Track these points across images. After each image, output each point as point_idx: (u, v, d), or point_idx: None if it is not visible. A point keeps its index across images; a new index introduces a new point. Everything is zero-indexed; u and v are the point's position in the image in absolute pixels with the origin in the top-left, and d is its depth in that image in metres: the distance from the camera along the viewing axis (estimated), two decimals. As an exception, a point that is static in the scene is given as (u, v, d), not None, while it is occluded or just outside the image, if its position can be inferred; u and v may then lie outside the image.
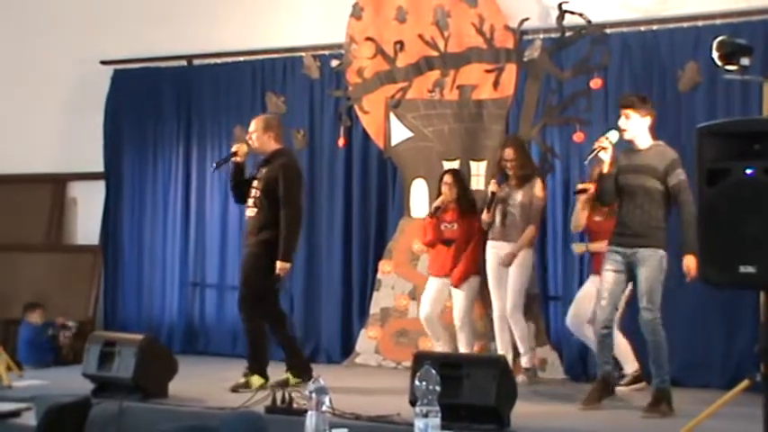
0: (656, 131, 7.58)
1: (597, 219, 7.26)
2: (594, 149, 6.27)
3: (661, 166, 6.14)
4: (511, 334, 7.58)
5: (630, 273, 6.23)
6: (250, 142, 7.30)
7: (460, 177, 7.93)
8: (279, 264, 6.99)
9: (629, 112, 6.23)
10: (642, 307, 6.15)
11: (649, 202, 6.14)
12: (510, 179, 7.58)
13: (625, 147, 6.39)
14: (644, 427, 5.95)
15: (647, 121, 6.26)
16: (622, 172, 6.24)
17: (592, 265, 7.46)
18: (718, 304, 7.32)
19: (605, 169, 6.23)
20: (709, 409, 5.28)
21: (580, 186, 7.13)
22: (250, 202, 7.19)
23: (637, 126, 6.23)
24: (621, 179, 6.23)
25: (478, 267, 7.78)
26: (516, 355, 7.61)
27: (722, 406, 5.25)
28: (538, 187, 7.56)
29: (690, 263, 6.05)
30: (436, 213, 7.81)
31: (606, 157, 6.20)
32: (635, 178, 6.17)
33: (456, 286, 7.76)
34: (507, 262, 7.48)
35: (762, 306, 4.97)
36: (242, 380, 7.00)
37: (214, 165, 7.36)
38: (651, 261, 6.14)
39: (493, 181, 7.65)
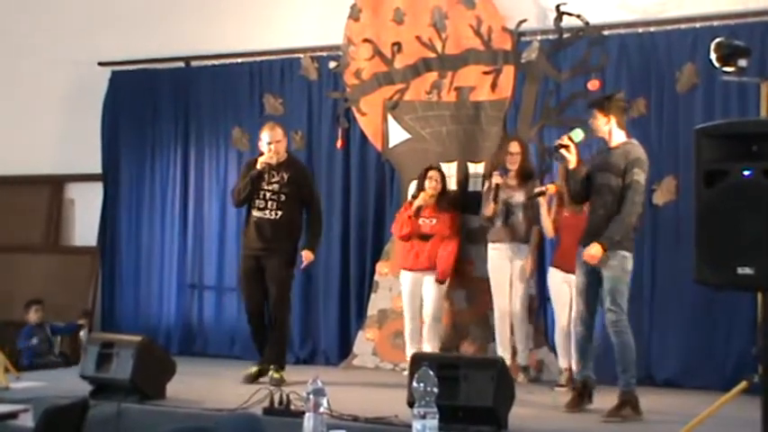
0: (648, 134, 7.63)
1: (566, 214, 7.28)
2: (555, 146, 6.28)
3: (623, 163, 6.08)
4: (511, 334, 7.60)
5: (596, 273, 6.16)
6: (273, 152, 7.36)
7: (444, 175, 8.08)
8: (307, 253, 7.44)
9: (594, 111, 6.24)
10: (606, 308, 6.08)
11: (613, 200, 6.08)
12: (509, 177, 7.60)
13: (600, 146, 6.40)
14: (643, 428, 5.94)
15: (612, 120, 6.17)
16: (593, 171, 6.24)
17: (554, 256, 7.52)
18: (716, 306, 7.32)
19: (570, 167, 6.23)
20: (707, 411, 5.28)
21: (536, 190, 7.16)
22: (269, 204, 7.36)
23: (603, 125, 6.20)
24: (592, 178, 6.23)
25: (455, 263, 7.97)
26: (514, 354, 7.63)
27: (720, 407, 5.26)
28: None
29: (595, 251, 5.98)
30: (418, 213, 7.92)
31: (569, 155, 6.19)
32: (601, 177, 6.15)
33: (442, 281, 7.88)
34: (528, 274, 7.64)
35: (759, 307, 4.98)
36: (276, 375, 7.26)
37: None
38: (614, 262, 6.09)
39: (495, 173, 7.66)
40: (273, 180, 7.39)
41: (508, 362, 7.33)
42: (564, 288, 7.27)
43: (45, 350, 9.05)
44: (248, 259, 7.48)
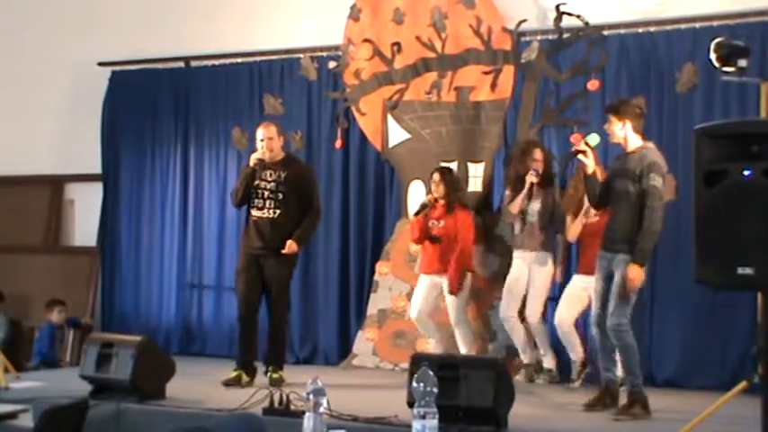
0: (648, 134, 7.64)
1: (590, 221, 7.28)
2: (572, 152, 6.27)
3: (638, 169, 6.04)
4: (522, 333, 7.67)
5: (611, 277, 6.14)
6: (267, 149, 7.34)
7: (448, 175, 7.96)
8: (291, 243, 7.27)
9: (609, 116, 6.23)
10: (610, 311, 6.07)
11: (628, 206, 6.06)
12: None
13: (618, 151, 6.41)
14: (644, 428, 5.94)
15: (628, 124, 6.13)
16: (612, 176, 6.23)
17: (579, 263, 7.51)
18: (716, 306, 7.32)
19: (588, 171, 6.22)
20: (707, 411, 5.28)
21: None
22: (267, 203, 7.33)
23: (618, 130, 6.16)
24: (611, 183, 6.22)
25: (471, 265, 7.85)
26: (515, 355, 7.69)
27: (720, 407, 5.26)
28: (557, 193, 7.64)
29: (634, 273, 5.95)
30: (421, 211, 7.89)
31: (587, 160, 6.18)
32: (619, 182, 6.13)
33: (453, 293, 7.74)
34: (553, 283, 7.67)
35: (759, 307, 4.97)
36: (275, 376, 7.25)
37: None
38: (626, 266, 6.04)
39: (531, 172, 7.50)
40: (270, 179, 7.37)
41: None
42: (581, 293, 7.25)
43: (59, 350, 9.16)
44: (247, 258, 7.43)
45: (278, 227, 7.32)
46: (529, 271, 7.59)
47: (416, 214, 7.92)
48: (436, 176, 7.90)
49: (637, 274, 5.96)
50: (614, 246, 6.12)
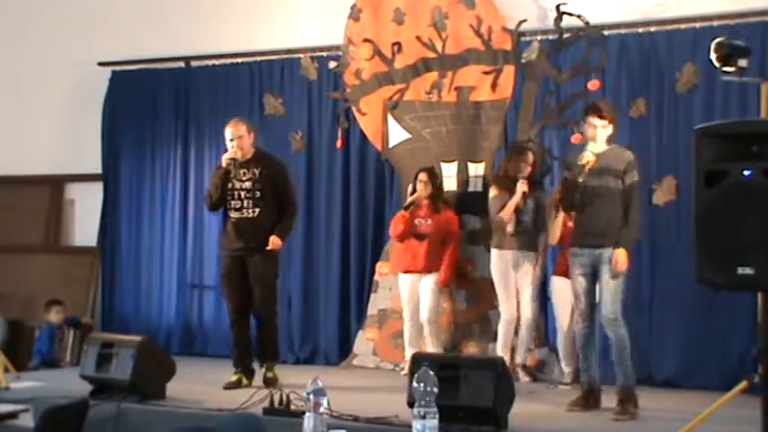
0: (648, 134, 7.66)
1: (569, 224, 7.27)
2: (582, 165, 6.26)
3: (621, 166, 6.22)
4: (514, 335, 7.67)
5: (596, 272, 6.23)
6: (237, 148, 7.23)
7: (434, 176, 8.09)
8: (274, 238, 7.18)
9: (593, 119, 6.29)
10: (606, 306, 6.14)
11: (612, 202, 6.20)
12: (522, 184, 7.60)
13: (577, 150, 6.44)
14: (644, 428, 5.94)
15: (610, 126, 6.31)
16: (586, 175, 6.27)
17: (559, 264, 7.51)
18: (716, 306, 7.31)
19: (580, 179, 6.26)
20: (707, 411, 5.28)
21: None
22: (245, 203, 7.22)
23: (609, 132, 6.30)
24: (586, 182, 6.25)
25: (457, 263, 8.04)
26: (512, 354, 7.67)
27: (720, 407, 5.25)
28: (543, 196, 7.68)
29: (620, 256, 6.11)
30: (409, 208, 7.98)
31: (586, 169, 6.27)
32: (598, 179, 6.21)
33: (446, 285, 7.95)
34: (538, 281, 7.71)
35: (759, 307, 4.97)
36: (269, 374, 7.22)
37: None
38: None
39: (522, 180, 7.55)
40: (245, 177, 7.24)
41: (507, 362, 7.36)
42: (567, 293, 7.27)
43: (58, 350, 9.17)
44: (230, 260, 7.30)
45: (258, 225, 7.20)
46: (516, 271, 7.63)
47: (406, 208, 8.00)
48: (423, 177, 8.00)
49: (625, 258, 6.12)
50: (598, 240, 6.19)
